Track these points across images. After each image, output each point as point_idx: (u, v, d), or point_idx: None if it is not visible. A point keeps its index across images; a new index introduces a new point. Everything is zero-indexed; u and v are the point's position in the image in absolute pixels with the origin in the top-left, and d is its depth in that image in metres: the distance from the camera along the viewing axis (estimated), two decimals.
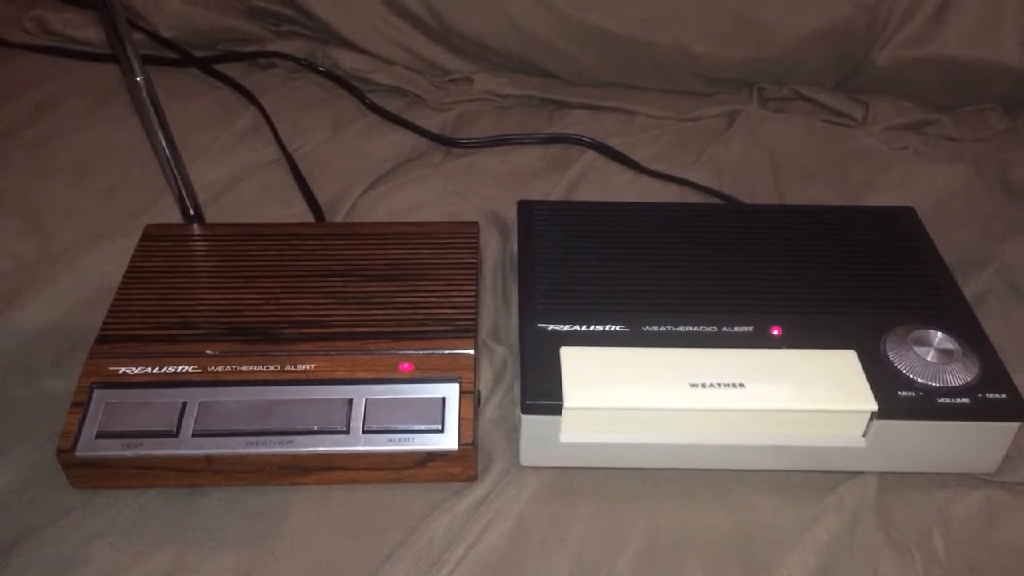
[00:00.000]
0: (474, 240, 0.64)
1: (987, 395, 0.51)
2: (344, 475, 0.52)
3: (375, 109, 0.86)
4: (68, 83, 0.89)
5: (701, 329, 0.55)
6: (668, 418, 0.52)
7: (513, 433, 0.56)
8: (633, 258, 0.61)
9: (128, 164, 0.79)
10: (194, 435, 0.51)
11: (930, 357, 0.53)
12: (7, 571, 0.48)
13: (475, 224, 0.65)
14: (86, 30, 0.93)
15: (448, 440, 0.52)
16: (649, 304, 0.57)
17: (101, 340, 0.55)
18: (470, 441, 0.51)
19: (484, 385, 0.59)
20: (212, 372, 0.53)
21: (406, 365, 0.54)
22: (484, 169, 0.80)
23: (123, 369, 0.54)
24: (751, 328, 0.55)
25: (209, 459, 0.51)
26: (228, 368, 0.54)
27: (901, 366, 0.53)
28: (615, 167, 0.81)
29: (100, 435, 0.51)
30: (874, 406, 0.51)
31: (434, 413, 0.52)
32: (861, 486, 0.53)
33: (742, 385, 0.52)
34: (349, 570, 0.49)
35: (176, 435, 0.51)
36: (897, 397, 0.51)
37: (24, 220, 0.72)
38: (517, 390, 0.56)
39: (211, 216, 0.68)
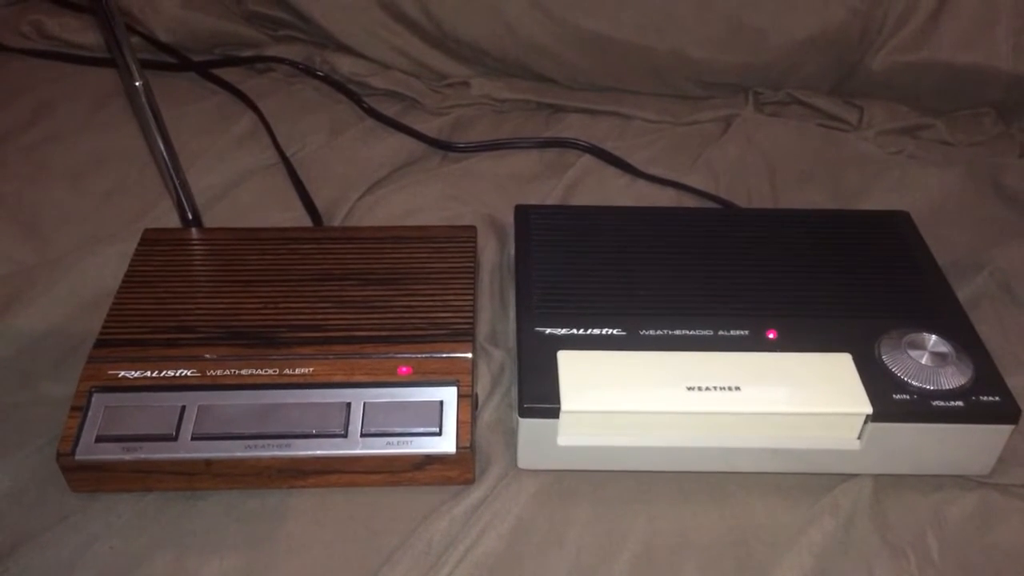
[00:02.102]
0: (471, 244, 0.64)
1: (981, 398, 0.52)
2: (342, 478, 0.53)
3: (372, 113, 0.86)
4: (66, 87, 0.89)
5: (697, 333, 0.55)
6: (665, 421, 0.52)
7: (511, 436, 0.56)
8: (629, 262, 0.61)
9: (126, 168, 0.79)
10: (193, 439, 0.51)
11: (924, 360, 0.53)
12: (6, 575, 0.48)
13: (472, 228, 0.66)
14: (84, 34, 0.93)
15: (446, 443, 0.52)
16: (646, 308, 0.57)
17: (100, 344, 0.56)
18: (468, 444, 0.52)
19: (482, 388, 0.59)
20: (211, 376, 0.54)
21: (404, 369, 0.54)
22: (481, 173, 0.80)
23: (122, 373, 0.54)
24: (747, 332, 0.56)
25: (208, 463, 0.51)
26: (227, 372, 0.54)
27: (896, 369, 0.53)
28: (611, 171, 0.81)
29: (99, 439, 0.51)
30: (869, 409, 0.51)
31: (432, 416, 0.53)
32: (856, 488, 0.53)
33: (738, 388, 0.52)
34: (347, 573, 0.49)
35: (175, 439, 0.51)
36: (892, 400, 0.52)
37: (22, 225, 0.72)
38: (515, 393, 0.56)
39: (209, 220, 0.69)
